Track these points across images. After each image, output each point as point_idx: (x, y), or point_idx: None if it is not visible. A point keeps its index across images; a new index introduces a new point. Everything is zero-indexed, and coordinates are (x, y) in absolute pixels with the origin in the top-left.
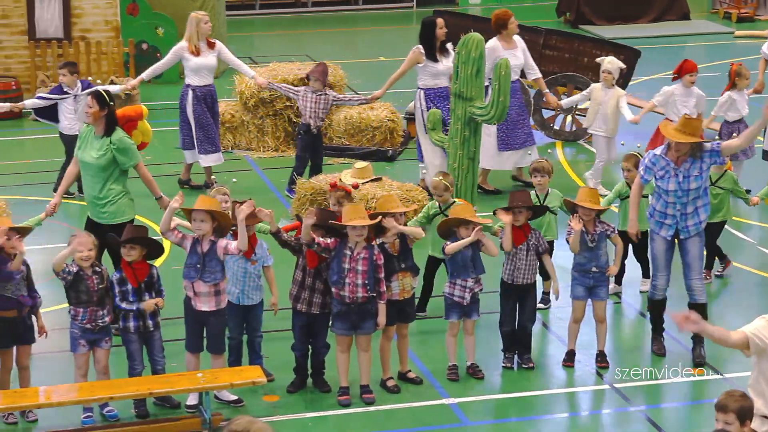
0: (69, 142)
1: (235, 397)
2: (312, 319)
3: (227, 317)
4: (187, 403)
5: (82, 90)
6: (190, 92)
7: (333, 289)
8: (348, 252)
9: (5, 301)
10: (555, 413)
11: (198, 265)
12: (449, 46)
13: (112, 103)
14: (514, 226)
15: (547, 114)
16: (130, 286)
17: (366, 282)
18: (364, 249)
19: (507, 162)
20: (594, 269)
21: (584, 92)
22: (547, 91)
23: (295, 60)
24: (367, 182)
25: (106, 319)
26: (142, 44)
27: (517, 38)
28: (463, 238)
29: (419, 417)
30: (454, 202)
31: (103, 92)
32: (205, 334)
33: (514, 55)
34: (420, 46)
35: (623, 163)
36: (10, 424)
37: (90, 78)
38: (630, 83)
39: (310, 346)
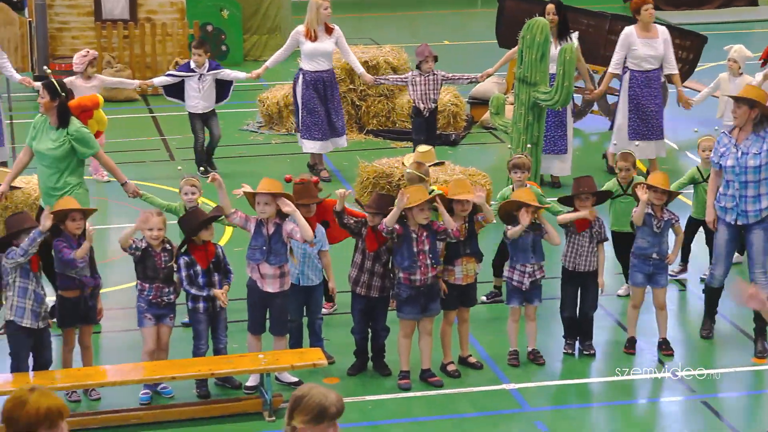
0: (194, 121)
1: (295, 379)
2: (371, 303)
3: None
4: (247, 384)
5: (209, 70)
6: (301, 77)
7: (402, 275)
8: (414, 235)
9: (69, 281)
10: (615, 400)
11: (264, 248)
12: (574, 35)
13: (63, 93)
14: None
15: (611, 100)
16: (199, 268)
17: (433, 260)
18: (423, 228)
19: (641, 152)
20: (655, 255)
21: (711, 85)
22: (682, 88)
23: (358, 43)
24: (430, 166)
25: (172, 296)
26: (207, 26)
27: (661, 29)
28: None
29: (479, 402)
30: (433, 190)
31: (55, 82)
32: (268, 316)
33: (650, 44)
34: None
35: (619, 163)
36: (74, 401)
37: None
38: (696, 70)
39: (369, 330)
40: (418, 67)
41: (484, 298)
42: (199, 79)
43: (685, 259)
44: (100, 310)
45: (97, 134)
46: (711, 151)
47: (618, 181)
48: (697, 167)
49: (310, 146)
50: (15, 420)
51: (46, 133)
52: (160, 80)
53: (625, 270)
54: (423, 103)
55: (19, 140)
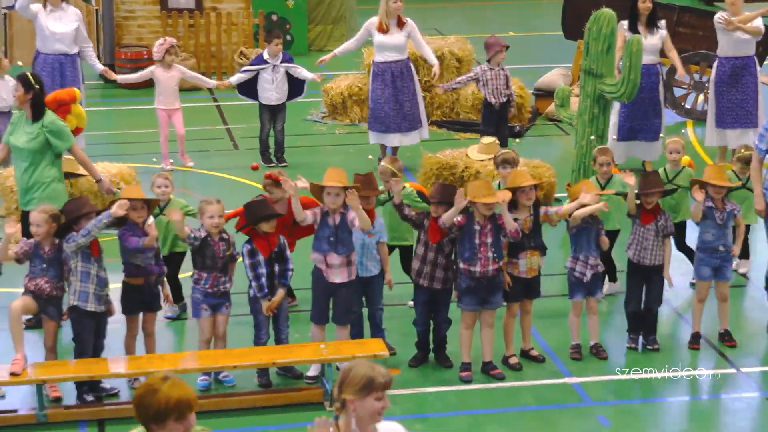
0: (263, 111)
1: None
2: (434, 294)
3: None
4: (308, 373)
5: (282, 62)
6: (373, 67)
7: (462, 265)
8: (477, 227)
9: (134, 268)
10: (678, 396)
11: (331, 238)
12: (661, 23)
13: (37, 86)
14: (645, 207)
15: (678, 93)
16: (261, 257)
17: (495, 254)
18: (488, 221)
19: (730, 140)
20: (721, 248)
21: None
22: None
23: (423, 34)
24: (493, 158)
25: (228, 285)
26: (272, 15)
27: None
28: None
29: (541, 395)
30: (404, 187)
31: (29, 75)
32: (331, 305)
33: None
34: (624, 22)
35: (600, 157)
36: (136, 388)
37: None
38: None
39: (431, 321)
40: (488, 60)
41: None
42: (272, 70)
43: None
44: (167, 296)
45: (76, 130)
46: (678, 153)
47: (597, 178)
48: (664, 168)
49: (373, 137)
50: (145, 407)
51: (22, 127)
52: (237, 78)
53: (611, 270)
54: (494, 98)
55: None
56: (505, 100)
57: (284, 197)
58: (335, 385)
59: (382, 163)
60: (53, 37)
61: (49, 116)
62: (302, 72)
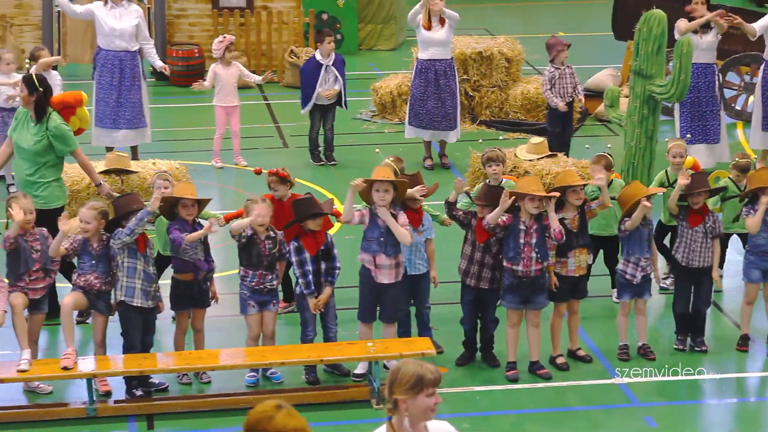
0: (314, 110)
1: None
2: (481, 294)
3: None
4: (356, 371)
5: (334, 63)
6: (416, 64)
7: (505, 264)
8: (522, 227)
9: (183, 264)
10: (725, 398)
11: (381, 239)
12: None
13: (41, 89)
14: (693, 209)
15: (728, 94)
16: (307, 255)
17: (539, 254)
18: (534, 221)
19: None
20: None
21: None
22: None
23: (473, 33)
24: (542, 158)
25: (275, 282)
26: (322, 14)
27: None
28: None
29: (588, 395)
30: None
31: (33, 77)
32: (379, 304)
33: None
34: (683, 20)
35: (592, 165)
36: (185, 384)
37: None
38: None
39: (479, 321)
40: (551, 61)
41: None
42: (325, 70)
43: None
44: (214, 293)
45: (78, 131)
46: (681, 157)
47: (667, 171)
48: (665, 171)
49: (412, 133)
50: None
51: (27, 127)
52: (306, 108)
53: (612, 276)
54: (561, 97)
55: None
56: (570, 100)
57: (288, 195)
58: (385, 387)
59: (386, 161)
60: (113, 33)
61: (54, 120)
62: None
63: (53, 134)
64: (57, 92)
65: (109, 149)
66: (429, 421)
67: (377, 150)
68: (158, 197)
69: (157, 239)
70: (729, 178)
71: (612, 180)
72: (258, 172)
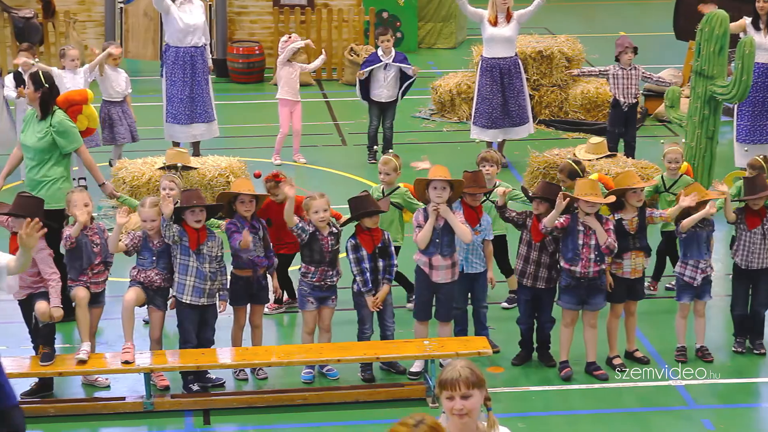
0: (373, 108)
1: None
2: (538, 294)
3: None
4: (412, 369)
5: (395, 60)
6: (481, 62)
7: (563, 264)
8: (581, 228)
9: (242, 260)
10: None
11: (436, 240)
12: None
13: (47, 85)
14: (752, 210)
15: None
16: (364, 252)
17: (597, 256)
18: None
19: None
20: None
21: None
22: None
23: (533, 32)
24: (601, 158)
25: (335, 279)
26: (383, 13)
27: None
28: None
29: (644, 397)
30: (399, 187)
31: (40, 73)
32: (434, 302)
33: None
34: (747, 18)
35: (558, 174)
36: (241, 380)
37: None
38: None
39: (535, 320)
40: (617, 59)
41: (505, 304)
42: (384, 68)
43: (657, 277)
44: (276, 289)
45: (88, 131)
46: (677, 162)
47: (663, 176)
48: (662, 176)
49: (477, 133)
50: None
51: (33, 125)
52: (359, 82)
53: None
54: (624, 98)
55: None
56: (634, 101)
57: (479, 193)
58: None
59: (385, 156)
60: (186, 29)
61: (58, 116)
62: (411, 71)
63: (56, 130)
64: (126, 89)
65: (175, 144)
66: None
67: (390, 151)
68: (167, 200)
69: None
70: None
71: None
72: (257, 176)
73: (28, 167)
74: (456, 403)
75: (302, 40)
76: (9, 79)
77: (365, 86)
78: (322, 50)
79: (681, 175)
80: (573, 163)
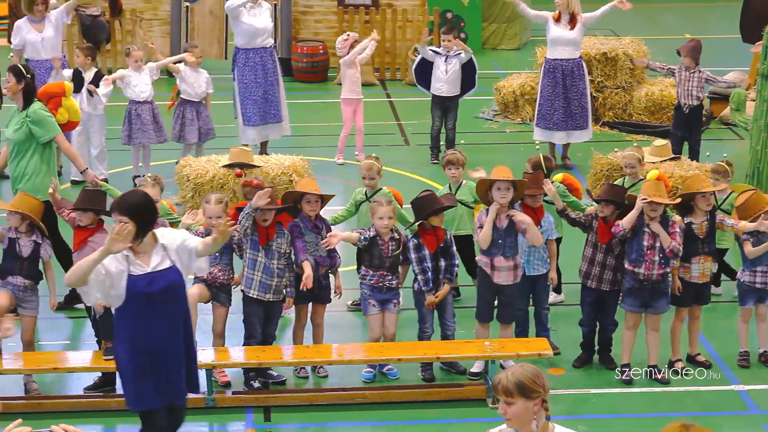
0: (435, 107)
1: None
2: (602, 296)
3: None
4: (472, 370)
5: (449, 59)
6: (544, 64)
7: (627, 266)
8: (647, 230)
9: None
10: None
11: (499, 241)
12: None
13: (29, 76)
14: None
15: None
16: (426, 252)
17: (662, 259)
18: (660, 225)
19: None
20: None
21: None
22: None
23: (598, 34)
24: (665, 161)
25: (394, 282)
26: (447, 13)
27: None
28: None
29: (706, 401)
30: (381, 188)
31: (20, 66)
32: (496, 303)
33: None
34: None
35: (526, 164)
36: (302, 378)
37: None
38: None
39: (598, 323)
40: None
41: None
42: (445, 60)
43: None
44: (338, 288)
45: (70, 125)
46: (633, 168)
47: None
48: (623, 179)
49: (539, 135)
50: None
51: (13, 118)
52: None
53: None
54: (684, 99)
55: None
56: (696, 103)
57: (538, 195)
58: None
59: (367, 160)
60: (256, 33)
61: (34, 106)
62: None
63: (31, 119)
64: (206, 90)
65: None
66: (558, 428)
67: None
68: (264, 193)
69: None
70: None
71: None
72: (239, 175)
73: (9, 159)
74: (500, 407)
75: (369, 40)
76: (67, 73)
77: (425, 76)
78: (372, 32)
79: (640, 179)
80: (542, 157)
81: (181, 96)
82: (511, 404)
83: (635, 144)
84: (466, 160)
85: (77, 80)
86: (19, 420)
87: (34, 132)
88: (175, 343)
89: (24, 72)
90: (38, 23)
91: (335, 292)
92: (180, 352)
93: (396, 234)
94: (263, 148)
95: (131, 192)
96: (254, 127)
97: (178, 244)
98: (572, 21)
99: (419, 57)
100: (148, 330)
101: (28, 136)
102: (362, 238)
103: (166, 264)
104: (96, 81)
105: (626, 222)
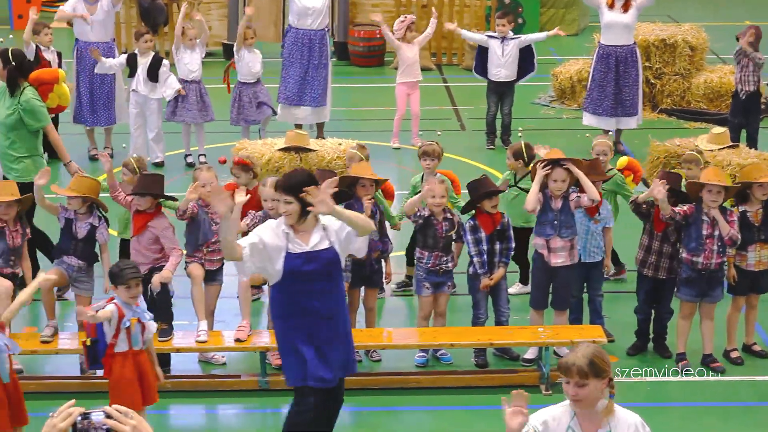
0: (491, 92)
1: None
2: (658, 284)
3: None
4: (525, 356)
5: (504, 41)
6: (598, 49)
7: (685, 255)
8: (705, 219)
9: None
10: None
11: (555, 222)
12: None
13: (14, 62)
14: None
15: None
16: (483, 234)
17: (720, 247)
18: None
19: None
20: None
21: None
22: None
23: (656, 20)
24: (723, 148)
25: (450, 264)
26: None
27: None
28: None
29: (761, 391)
30: (436, 174)
31: (8, 51)
32: (551, 290)
33: None
34: None
35: (598, 146)
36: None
37: None
38: None
39: (653, 311)
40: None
41: (394, 286)
42: (501, 42)
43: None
44: (388, 274)
45: (58, 108)
46: (605, 155)
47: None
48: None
49: (589, 120)
50: None
51: (4, 101)
52: (468, 35)
53: (523, 270)
54: (740, 84)
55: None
56: (753, 89)
57: (254, 183)
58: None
59: (350, 149)
60: (305, 11)
61: (27, 94)
62: (533, 36)
63: (24, 108)
64: (259, 70)
65: (298, 126)
66: (618, 411)
67: (438, 133)
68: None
69: (119, 223)
70: None
71: None
72: (222, 162)
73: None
74: (570, 389)
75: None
76: (121, 58)
77: (482, 63)
78: (433, 11)
79: (610, 169)
80: (523, 145)
81: (238, 79)
82: (584, 386)
83: (610, 133)
84: (443, 152)
85: (132, 64)
86: (72, 401)
87: (25, 120)
88: (330, 324)
89: (10, 58)
90: (92, 5)
91: (386, 278)
92: (335, 332)
93: (449, 214)
94: (320, 132)
95: (295, 171)
96: (286, 106)
97: (339, 225)
98: (626, 5)
99: (461, 34)
100: (303, 308)
101: (18, 123)
102: (417, 214)
103: (325, 244)
104: (154, 66)
105: (663, 209)
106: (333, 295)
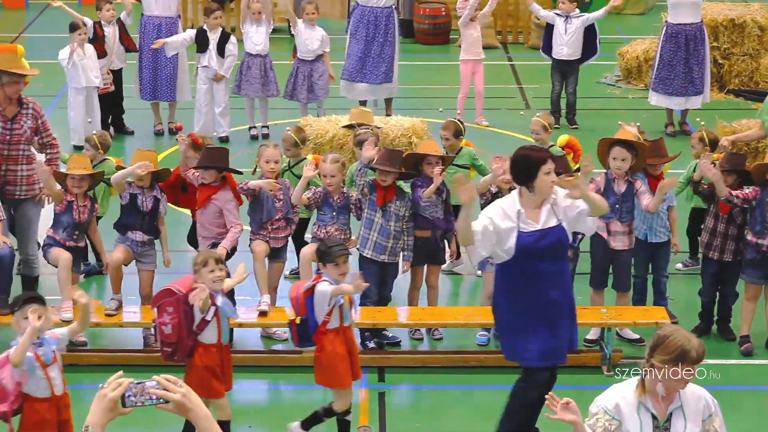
0: (555, 71)
1: (637, 336)
2: (723, 267)
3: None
4: (587, 337)
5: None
6: (665, 28)
7: (750, 237)
8: None
9: (423, 221)
10: None
11: (616, 206)
12: None
13: None
14: None
15: None
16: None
17: None
18: None
19: None
20: None
21: None
22: None
23: (725, 1)
24: None
25: None
26: None
27: None
28: None
29: None
30: (305, 158)
31: None
32: (611, 270)
33: None
34: None
35: (441, 131)
36: (417, 339)
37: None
38: None
39: (717, 293)
40: None
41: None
42: (565, 21)
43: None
44: (453, 252)
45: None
46: (537, 134)
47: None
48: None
49: (657, 99)
50: None
51: None
52: (536, 8)
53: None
54: None
55: None
56: None
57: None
58: (649, 346)
59: (287, 130)
60: None
61: None
62: (594, 14)
63: None
64: (321, 48)
65: (362, 103)
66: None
67: (440, 110)
68: (370, 145)
69: (102, 203)
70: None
71: None
72: (179, 128)
73: None
74: (686, 375)
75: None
76: (187, 33)
77: (548, 41)
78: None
79: (549, 146)
80: (457, 122)
81: (298, 56)
82: (692, 374)
83: (545, 112)
84: (379, 140)
85: (201, 39)
86: (120, 372)
87: None
88: (558, 302)
89: None
90: None
91: (450, 256)
92: (564, 309)
93: (494, 188)
94: (388, 109)
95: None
96: (347, 81)
97: (569, 203)
98: None
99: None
100: (533, 287)
101: None
102: (486, 194)
103: (553, 222)
104: (222, 41)
105: (718, 190)
106: (562, 273)
